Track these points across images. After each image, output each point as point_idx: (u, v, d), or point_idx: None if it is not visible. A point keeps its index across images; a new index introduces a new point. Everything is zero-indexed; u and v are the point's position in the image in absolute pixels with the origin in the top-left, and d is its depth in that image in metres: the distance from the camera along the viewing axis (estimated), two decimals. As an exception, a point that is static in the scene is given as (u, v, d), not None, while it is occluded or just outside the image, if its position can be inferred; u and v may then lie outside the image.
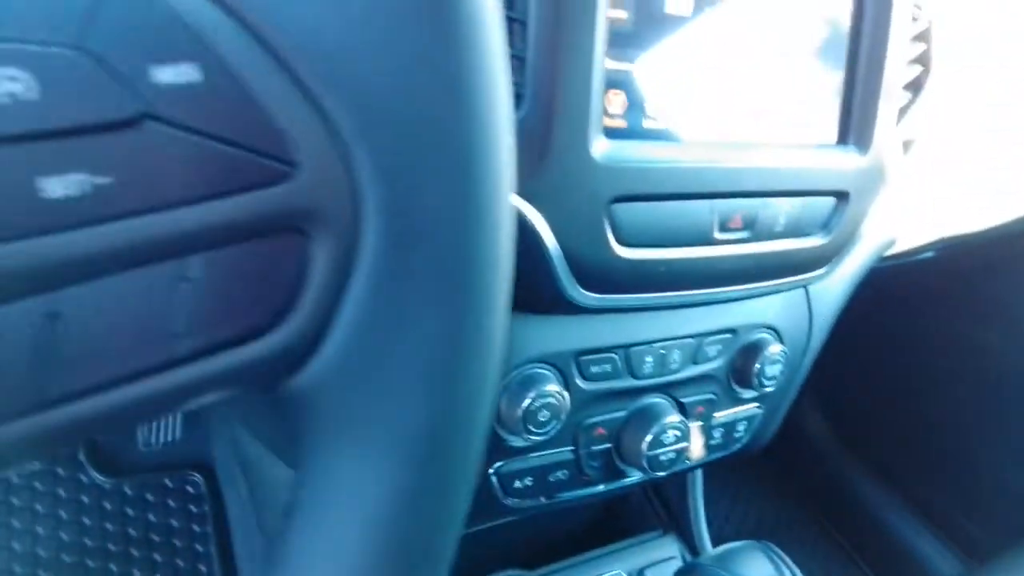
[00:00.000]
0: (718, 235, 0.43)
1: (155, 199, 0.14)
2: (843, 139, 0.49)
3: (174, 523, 0.93)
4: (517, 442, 0.46)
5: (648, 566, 0.61)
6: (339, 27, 0.14)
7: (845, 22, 0.47)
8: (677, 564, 0.62)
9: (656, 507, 0.69)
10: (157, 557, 0.91)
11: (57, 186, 0.13)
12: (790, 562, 0.45)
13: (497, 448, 0.47)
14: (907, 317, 0.92)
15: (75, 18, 0.13)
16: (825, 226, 0.49)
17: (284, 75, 0.14)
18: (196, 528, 0.94)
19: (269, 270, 0.15)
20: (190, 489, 0.96)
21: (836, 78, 0.48)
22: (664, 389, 0.51)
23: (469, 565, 0.48)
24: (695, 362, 0.51)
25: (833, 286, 0.58)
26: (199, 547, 0.93)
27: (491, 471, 0.48)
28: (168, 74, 0.13)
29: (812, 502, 1.05)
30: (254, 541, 0.89)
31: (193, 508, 0.95)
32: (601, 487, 0.54)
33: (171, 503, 0.94)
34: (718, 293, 0.47)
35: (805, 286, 0.55)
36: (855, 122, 0.48)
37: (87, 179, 0.13)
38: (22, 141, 0.12)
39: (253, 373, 0.16)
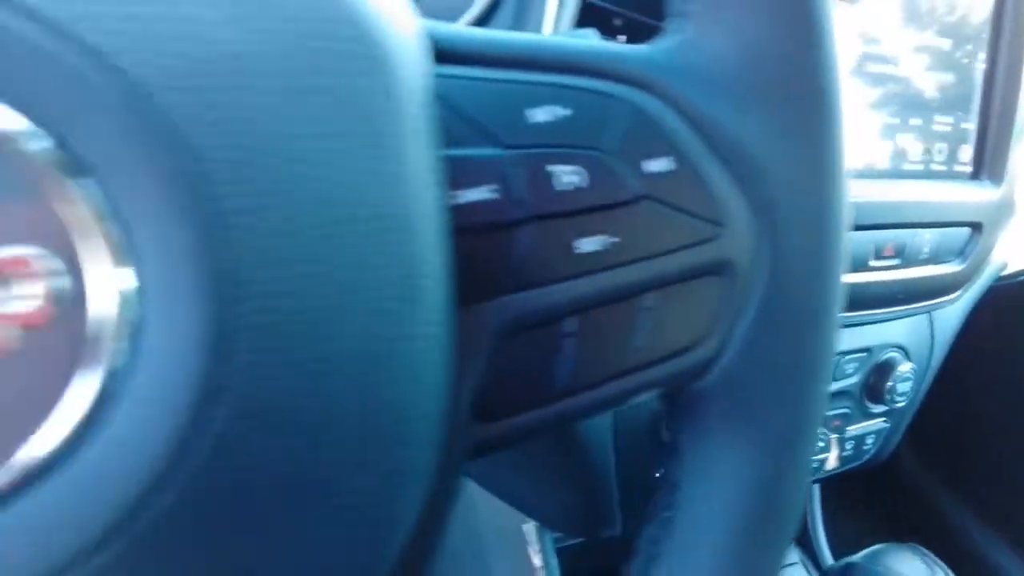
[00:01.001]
0: (873, 262, 0.48)
1: (642, 253, 0.19)
2: (977, 174, 0.53)
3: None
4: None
5: (775, 571, 0.64)
6: (757, 138, 0.20)
7: (980, 66, 0.52)
8: (800, 570, 0.65)
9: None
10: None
11: (588, 244, 0.18)
12: (942, 564, 0.49)
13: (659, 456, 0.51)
14: (995, 338, 0.94)
15: (599, 131, 0.18)
16: (961, 253, 0.53)
17: (721, 164, 0.20)
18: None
19: (697, 302, 0.20)
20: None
21: (972, 116, 0.52)
22: (806, 403, 0.56)
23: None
24: (835, 378, 0.56)
25: (954, 308, 0.62)
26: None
27: (657, 475, 0.53)
28: (655, 165, 0.19)
29: (895, 521, 1.06)
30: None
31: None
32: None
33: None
34: (864, 315, 0.51)
35: (930, 310, 0.59)
36: (988, 158, 0.53)
37: (606, 239, 0.18)
38: (573, 215, 0.18)
39: (678, 378, 0.21)
